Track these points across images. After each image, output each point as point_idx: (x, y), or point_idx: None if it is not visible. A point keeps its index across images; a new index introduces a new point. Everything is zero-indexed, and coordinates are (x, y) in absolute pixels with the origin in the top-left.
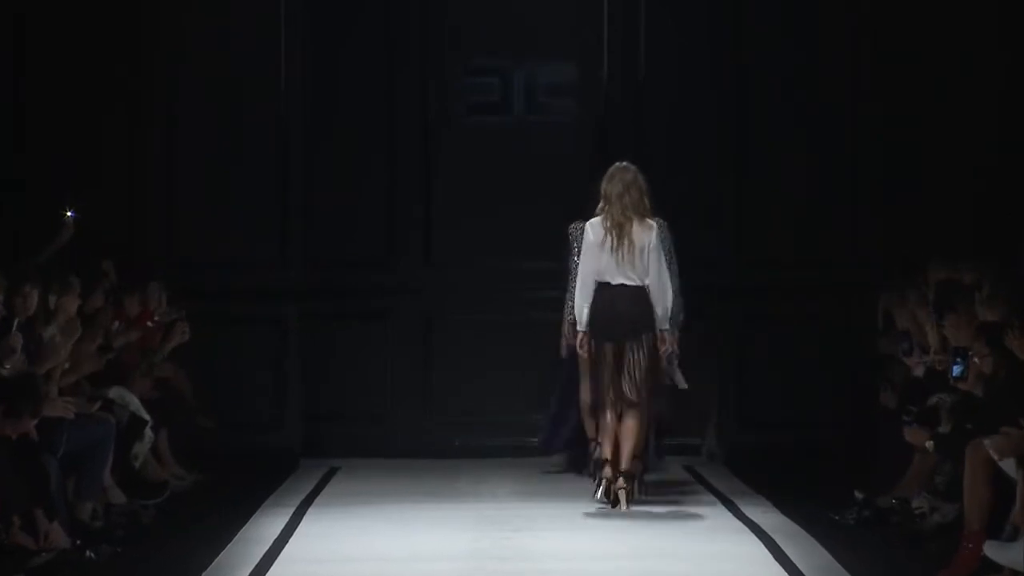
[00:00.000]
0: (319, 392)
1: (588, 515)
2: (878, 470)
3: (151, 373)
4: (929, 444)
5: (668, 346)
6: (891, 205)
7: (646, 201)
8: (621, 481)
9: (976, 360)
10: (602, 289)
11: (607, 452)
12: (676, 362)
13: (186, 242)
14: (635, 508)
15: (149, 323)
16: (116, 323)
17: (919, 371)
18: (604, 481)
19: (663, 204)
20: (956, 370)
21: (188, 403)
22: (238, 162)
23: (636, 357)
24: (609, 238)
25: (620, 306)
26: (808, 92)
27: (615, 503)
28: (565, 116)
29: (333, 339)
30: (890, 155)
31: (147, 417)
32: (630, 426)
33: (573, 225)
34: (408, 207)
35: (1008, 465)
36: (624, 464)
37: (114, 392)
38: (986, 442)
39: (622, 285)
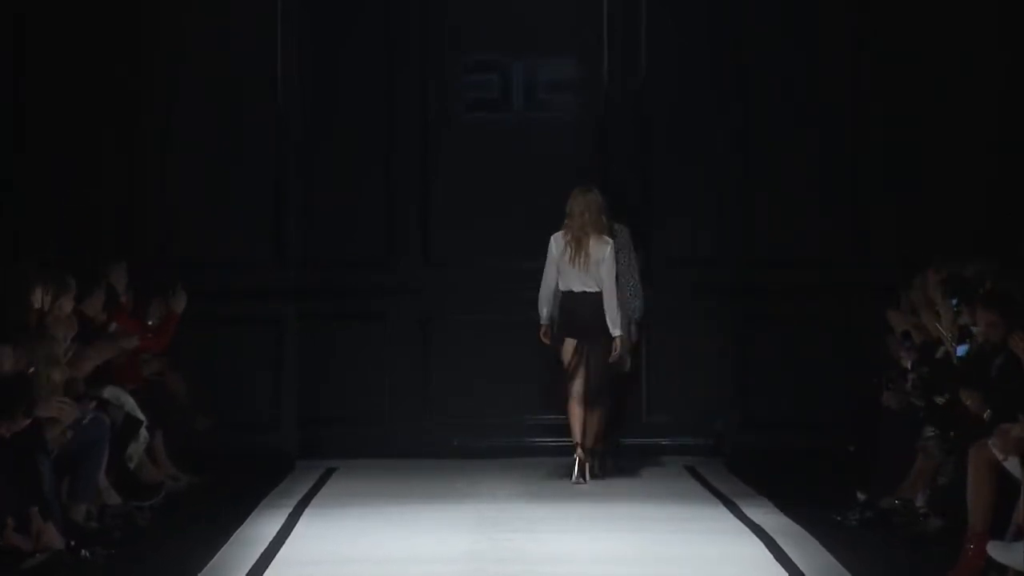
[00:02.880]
0: (317, 392)
1: (587, 516)
2: (880, 471)
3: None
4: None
5: (617, 352)
6: (891, 205)
7: (603, 219)
8: (584, 455)
9: (981, 328)
10: (565, 296)
11: (576, 436)
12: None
13: (185, 242)
14: (635, 509)
15: (152, 349)
16: (113, 324)
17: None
18: (577, 462)
19: (663, 203)
20: (961, 350)
21: (183, 404)
22: (237, 162)
23: (594, 355)
24: (569, 250)
25: (580, 310)
26: (808, 92)
27: (580, 478)
28: (565, 114)
29: (332, 339)
30: (890, 155)
31: (142, 417)
32: (592, 413)
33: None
34: (407, 206)
35: (1012, 465)
36: (588, 443)
37: (109, 392)
38: (990, 442)
39: (583, 292)
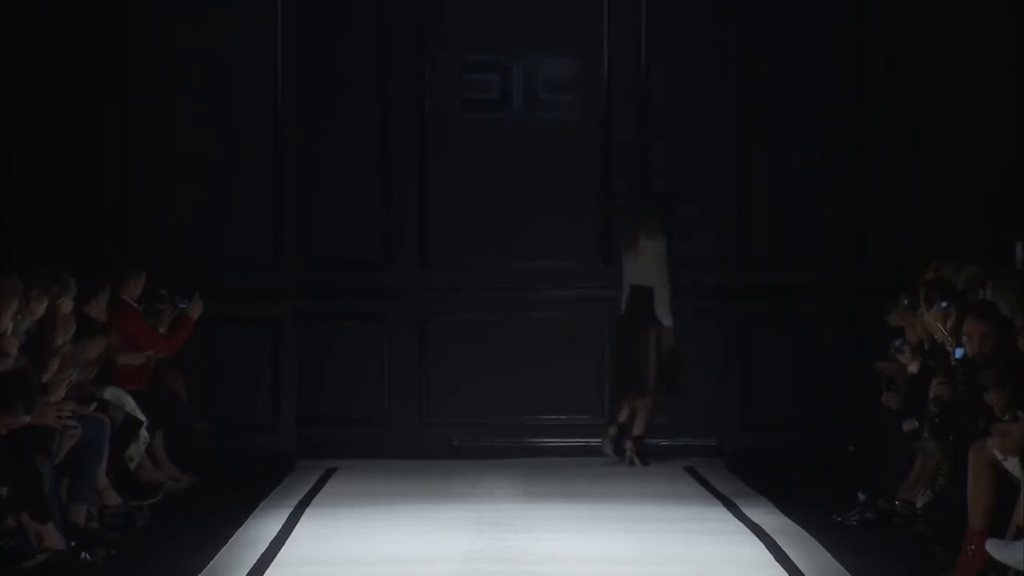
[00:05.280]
0: (316, 393)
1: (587, 516)
2: (880, 471)
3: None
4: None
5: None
6: (891, 205)
7: (654, 221)
8: (631, 444)
9: (973, 339)
10: (626, 288)
11: (625, 419)
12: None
13: (181, 243)
14: (635, 509)
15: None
16: (113, 331)
17: (913, 368)
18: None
19: (662, 203)
20: (959, 352)
21: (183, 404)
22: (233, 163)
23: (639, 344)
24: (625, 244)
25: (630, 302)
26: (808, 92)
27: (631, 462)
28: (565, 113)
29: (331, 340)
30: (891, 155)
31: (143, 418)
32: (643, 400)
33: None
34: (404, 207)
35: (1012, 465)
36: (637, 431)
37: (109, 392)
38: (989, 442)
39: (631, 285)
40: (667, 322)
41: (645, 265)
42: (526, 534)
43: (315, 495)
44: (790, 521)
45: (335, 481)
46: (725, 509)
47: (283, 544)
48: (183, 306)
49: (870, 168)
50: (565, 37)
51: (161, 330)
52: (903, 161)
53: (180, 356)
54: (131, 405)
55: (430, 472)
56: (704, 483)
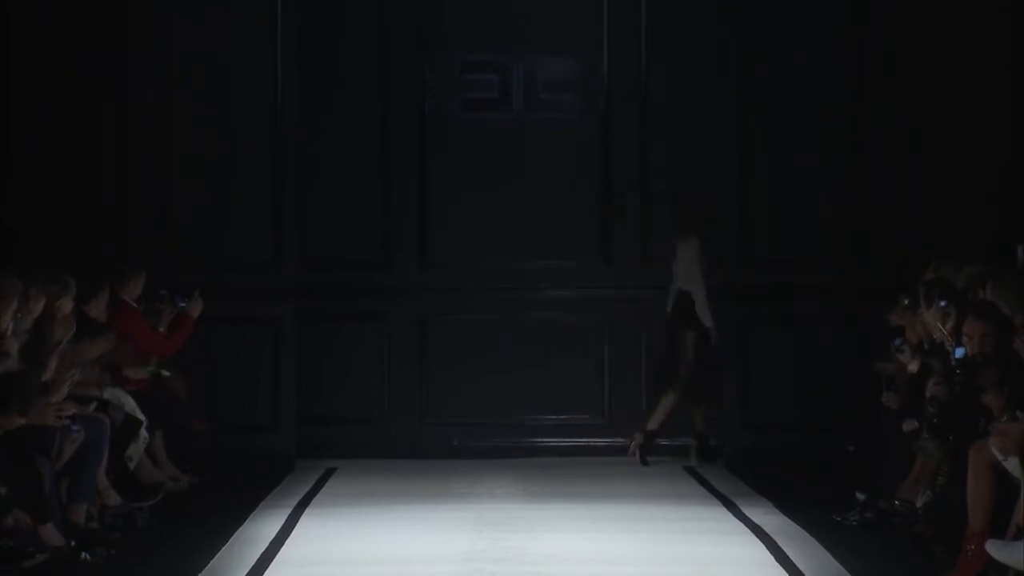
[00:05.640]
0: (316, 393)
1: (587, 516)
2: (880, 471)
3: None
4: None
5: (713, 341)
6: (891, 205)
7: (690, 225)
8: (640, 437)
9: (973, 339)
10: (672, 292)
11: (647, 421)
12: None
13: (181, 243)
14: (635, 509)
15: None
16: (112, 332)
17: (913, 368)
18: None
19: (662, 203)
20: (959, 352)
21: (184, 404)
22: (233, 163)
23: (683, 347)
24: (672, 253)
25: (671, 304)
26: (808, 92)
27: (634, 455)
28: (565, 113)
29: (331, 339)
30: (891, 154)
31: (142, 418)
32: (668, 399)
33: None
34: (404, 207)
35: (1012, 465)
36: (652, 425)
37: (109, 392)
38: (989, 442)
39: (678, 289)
40: (708, 323)
41: (681, 268)
42: (526, 534)
43: (315, 495)
44: (790, 521)
45: (335, 481)
46: (725, 509)
47: (283, 544)
48: (183, 305)
49: (870, 168)
50: (565, 37)
51: (161, 330)
52: (903, 161)
53: (180, 356)
54: (131, 405)
55: (430, 472)
56: (704, 483)
